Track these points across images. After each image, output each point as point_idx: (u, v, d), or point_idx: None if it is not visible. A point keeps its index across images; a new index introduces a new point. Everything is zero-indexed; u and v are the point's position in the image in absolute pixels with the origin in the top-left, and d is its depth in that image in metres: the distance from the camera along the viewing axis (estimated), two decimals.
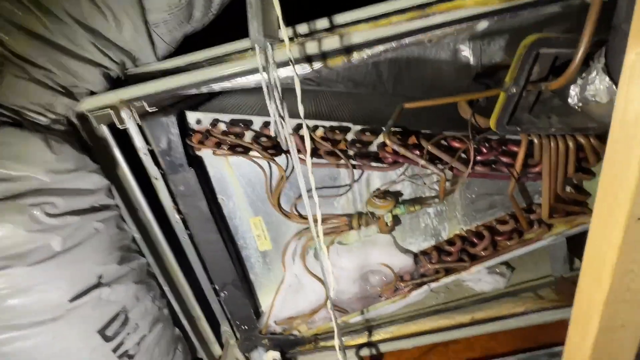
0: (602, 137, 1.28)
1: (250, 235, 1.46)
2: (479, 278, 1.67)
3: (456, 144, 1.25)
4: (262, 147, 1.19)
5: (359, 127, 1.25)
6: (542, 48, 1.02)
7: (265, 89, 0.78)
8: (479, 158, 1.27)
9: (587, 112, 1.18)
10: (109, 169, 1.13)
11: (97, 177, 1.03)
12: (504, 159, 1.28)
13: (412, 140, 1.25)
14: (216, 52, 1.01)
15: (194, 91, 1.11)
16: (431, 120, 1.38)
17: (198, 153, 1.25)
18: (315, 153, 1.25)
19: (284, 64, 0.96)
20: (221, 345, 1.73)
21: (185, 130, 1.18)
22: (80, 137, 1.03)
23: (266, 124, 1.21)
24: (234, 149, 1.21)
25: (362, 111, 1.46)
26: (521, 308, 1.61)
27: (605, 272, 0.87)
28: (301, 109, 0.87)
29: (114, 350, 1.07)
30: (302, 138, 1.13)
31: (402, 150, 1.17)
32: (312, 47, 0.96)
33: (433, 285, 1.51)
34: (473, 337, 1.64)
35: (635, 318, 0.93)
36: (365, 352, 1.61)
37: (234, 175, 1.32)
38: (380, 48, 1.02)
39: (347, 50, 0.99)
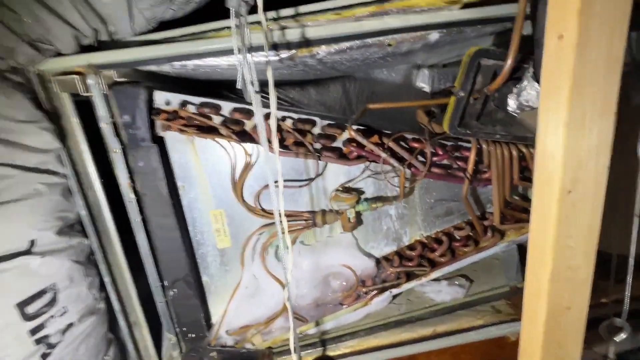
0: None
1: (209, 229, 1.39)
2: (439, 289, 1.67)
3: (415, 144, 1.35)
4: (230, 130, 1.21)
5: (325, 122, 1.31)
6: (482, 58, 1.19)
7: (236, 50, 0.83)
8: (435, 159, 1.36)
9: (524, 123, 1.35)
10: (62, 136, 1.08)
11: (50, 137, 0.98)
12: (458, 163, 1.38)
13: (375, 139, 1.33)
14: (192, 29, 1.07)
15: (167, 68, 1.14)
16: (393, 127, 1.48)
17: (162, 134, 1.24)
18: (281, 144, 1.29)
19: (258, 49, 1.03)
20: None
21: (151, 109, 1.18)
22: (36, 96, 1.00)
23: (235, 110, 1.24)
24: (201, 130, 1.21)
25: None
26: (480, 321, 1.61)
27: (547, 249, 0.92)
28: (272, 89, 0.91)
29: (32, 332, 0.91)
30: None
31: (364, 142, 1.24)
32: (281, 34, 1.05)
33: (395, 291, 1.48)
34: (435, 353, 1.59)
35: (579, 299, 0.97)
36: None
37: (199, 162, 1.31)
38: (345, 44, 1.13)
39: (315, 41, 1.09)
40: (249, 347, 1.47)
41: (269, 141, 0.93)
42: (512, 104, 1.24)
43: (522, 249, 1.65)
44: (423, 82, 2.14)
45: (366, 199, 1.40)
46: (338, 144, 1.34)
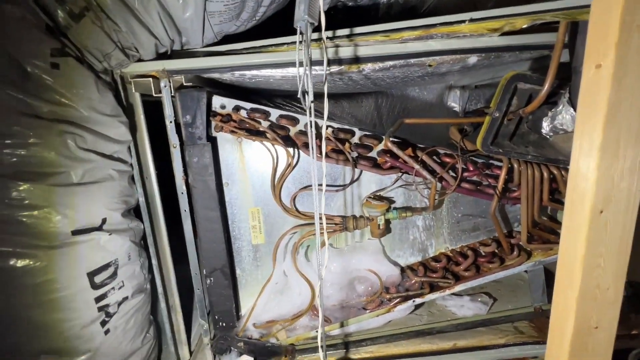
0: None
1: (246, 225, 1.50)
2: (461, 304, 1.69)
3: (447, 159, 1.41)
4: (276, 134, 1.33)
5: (363, 133, 1.41)
6: (519, 82, 1.26)
7: (298, 63, 0.94)
8: (466, 175, 1.42)
9: (557, 147, 1.39)
10: (132, 131, 1.23)
11: (125, 130, 1.13)
12: (488, 180, 1.43)
13: (409, 152, 1.41)
14: (254, 43, 1.20)
15: (227, 76, 1.28)
16: (424, 143, 1.56)
17: (215, 134, 1.37)
18: (320, 151, 1.38)
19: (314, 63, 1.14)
20: (190, 351, 1.62)
21: (209, 111, 1.32)
22: (117, 94, 1.15)
23: (282, 116, 1.36)
24: (250, 132, 1.34)
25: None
26: (502, 340, 1.60)
27: (576, 267, 0.95)
28: (326, 100, 1.02)
29: (97, 300, 1.03)
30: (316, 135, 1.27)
31: (399, 153, 1.32)
32: (334, 51, 1.16)
33: (417, 301, 1.52)
34: None
35: (607, 319, 0.98)
36: None
37: (244, 162, 1.42)
38: (389, 63, 1.23)
39: (363, 59, 1.20)
40: (273, 342, 1.54)
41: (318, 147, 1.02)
42: (546, 126, 1.30)
43: (548, 271, 1.66)
44: (454, 101, 2.21)
45: (396, 208, 1.47)
46: (373, 154, 1.43)
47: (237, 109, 1.35)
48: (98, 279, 1.04)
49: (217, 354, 1.51)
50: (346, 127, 1.39)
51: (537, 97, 1.17)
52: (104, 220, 1.06)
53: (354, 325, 1.56)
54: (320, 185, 1.10)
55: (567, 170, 1.42)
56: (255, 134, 1.36)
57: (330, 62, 1.17)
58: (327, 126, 1.39)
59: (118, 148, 1.12)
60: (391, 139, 1.35)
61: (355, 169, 1.41)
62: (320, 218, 1.12)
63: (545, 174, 1.41)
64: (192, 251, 1.39)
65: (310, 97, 0.95)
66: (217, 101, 1.34)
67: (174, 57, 1.22)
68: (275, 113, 1.37)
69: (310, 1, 0.84)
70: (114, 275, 1.09)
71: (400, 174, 1.42)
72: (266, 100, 1.70)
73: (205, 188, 1.33)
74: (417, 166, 1.33)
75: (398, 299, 1.52)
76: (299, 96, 0.89)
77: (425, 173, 1.34)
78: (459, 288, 1.51)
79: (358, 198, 1.49)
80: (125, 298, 1.14)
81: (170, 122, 1.25)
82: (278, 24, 1.24)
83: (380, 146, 1.41)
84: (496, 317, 1.63)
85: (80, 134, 0.97)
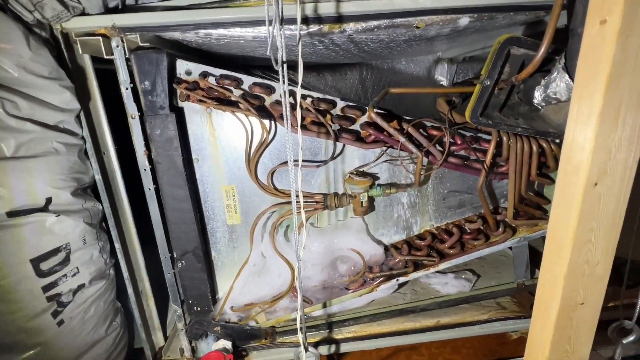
0: (561, 144, 1.42)
1: (220, 205, 1.39)
2: (445, 282, 1.67)
3: (434, 132, 1.33)
4: (249, 104, 1.20)
5: (344, 103, 1.30)
6: (512, 47, 1.16)
7: (267, 20, 0.81)
8: (453, 149, 1.34)
9: (547, 119, 1.32)
10: (81, 99, 1.07)
11: (70, 96, 0.97)
12: (476, 154, 1.36)
13: (394, 124, 1.31)
14: None
15: (191, 36, 1.12)
16: (412, 114, 1.46)
17: (181, 104, 1.23)
18: (300, 123, 1.27)
19: (288, 21, 1.00)
20: (165, 336, 1.54)
21: (172, 77, 1.17)
22: (60, 55, 0.99)
23: (255, 84, 1.23)
24: (220, 102, 1.20)
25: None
26: (484, 316, 1.60)
27: (566, 242, 0.90)
28: (300, 63, 0.89)
29: (45, 289, 0.92)
30: (293, 105, 1.15)
31: (384, 125, 1.22)
32: (311, 7, 1.03)
33: (401, 279, 1.48)
34: (436, 345, 1.60)
35: (594, 294, 0.95)
36: (324, 349, 1.50)
37: (215, 135, 1.30)
38: (374, 23, 1.11)
39: (345, 17, 1.07)
40: (252, 325, 1.48)
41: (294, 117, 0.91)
42: (538, 96, 1.22)
43: (532, 247, 1.64)
44: (442, 75, 2.12)
45: (380, 185, 1.39)
46: (356, 127, 1.32)
47: (204, 75, 1.20)
48: (45, 265, 0.92)
49: (193, 339, 1.44)
50: (326, 97, 1.27)
51: (532, 62, 1.08)
52: (48, 200, 0.93)
53: (336, 305, 1.51)
54: (297, 160, 1.00)
55: (555, 143, 1.36)
56: (227, 103, 1.22)
57: (305, 21, 1.04)
58: (306, 96, 1.27)
59: (63, 117, 0.97)
60: (375, 110, 1.25)
61: (337, 143, 1.31)
62: (297, 196, 1.02)
63: (535, 148, 1.35)
64: (160, 233, 1.28)
65: (281, 57, 0.83)
66: (182, 66, 1.19)
67: (128, 11, 1.06)
68: (248, 80, 1.23)
69: None
70: (65, 261, 0.97)
71: (384, 147, 1.33)
72: (243, 71, 1.55)
73: (171, 164, 1.20)
74: (402, 139, 1.24)
75: (381, 278, 1.47)
76: (268, 54, 0.77)
77: (410, 147, 1.26)
78: (443, 266, 1.47)
79: (341, 174, 1.39)
80: (82, 285, 1.03)
81: (127, 88, 1.10)
82: None
83: (364, 118, 1.31)
84: (479, 294, 1.62)
85: (10, 98, 0.82)
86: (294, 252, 1.42)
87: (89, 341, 1.08)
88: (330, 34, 1.13)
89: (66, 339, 1.00)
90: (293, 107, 1.08)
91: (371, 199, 1.41)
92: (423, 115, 1.33)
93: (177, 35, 1.11)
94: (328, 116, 1.29)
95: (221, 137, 1.30)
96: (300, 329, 1.17)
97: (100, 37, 1.04)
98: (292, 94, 1.18)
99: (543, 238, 1.20)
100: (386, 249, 1.51)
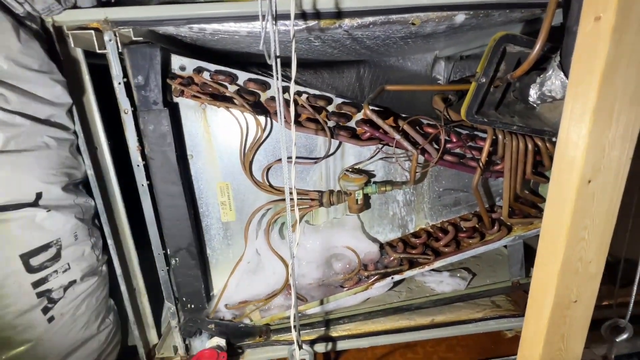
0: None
1: (215, 202, 1.38)
2: (440, 280, 1.66)
3: (429, 130, 1.32)
4: (244, 100, 1.19)
5: (340, 100, 1.29)
6: (508, 44, 1.16)
7: (261, 14, 0.80)
8: (449, 146, 1.34)
9: (542, 117, 1.32)
10: (73, 93, 1.06)
11: (61, 90, 0.96)
12: (472, 152, 1.36)
13: (390, 121, 1.31)
14: None
15: (185, 31, 1.11)
16: (409, 112, 1.46)
17: (175, 99, 1.22)
18: (295, 120, 1.26)
19: (281, 16, 0.99)
20: (159, 333, 1.53)
21: (165, 72, 1.16)
22: (52, 47, 0.98)
23: (250, 80, 1.22)
24: (214, 98, 1.19)
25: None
26: (479, 314, 1.60)
27: (560, 240, 0.90)
28: (294, 58, 0.88)
29: (35, 285, 0.90)
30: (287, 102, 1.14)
31: (379, 122, 1.22)
32: (306, 1, 1.02)
33: (396, 277, 1.48)
34: (431, 343, 1.59)
35: (587, 292, 0.96)
36: (318, 347, 1.49)
37: (209, 131, 1.29)
38: (369, 19, 1.10)
39: (340, 13, 1.06)
40: (246, 323, 1.47)
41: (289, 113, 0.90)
42: (533, 94, 1.22)
43: (526, 246, 1.64)
44: (439, 73, 2.12)
45: (375, 182, 1.39)
46: (352, 124, 1.32)
47: (199, 70, 1.19)
48: (35, 261, 0.91)
49: (186, 337, 1.43)
50: (322, 93, 1.26)
51: (527, 59, 1.08)
52: (39, 195, 0.92)
53: (331, 303, 1.51)
54: (290, 157, 0.99)
55: (551, 142, 1.36)
56: (221, 99, 1.21)
57: (301, 16, 1.03)
58: (301, 92, 1.26)
59: (54, 111, 0.96)
60: (371, 107, 1.25)
61: (333, 140, 1.30)
62: (292, 193, 1.01)
63: (530, 146, 1.35)
64: (154, 230, 1.27)
65: (274, 52, 0.82)
66: (176, 61, 1.18)
67: (121, 5, 1.04)
68: (243, 76, 1.22)
69: None
70: (56, 257, 0.96)
71: (380, 145, 1.33)
72: (239, 68, 1.54)
73: (165, 160, 1.19)
74: (397, 136, 1.23)
75: (376, 276, 1.47)
76: (261, 48, 0.76)
77: (406, 144, 1.25)
78: (438, 264, 1.47)
79: (335, 172, 1.39)
80: (73, 282, 1.02)
81: (119, 83, 1.09)
82: None
83: (360, 115, 1.31)
84: (474, 292, 1.62)
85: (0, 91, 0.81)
86: (288, 250, 1.41)
87: (80, 338, 1.07)
88: (325, 29, 1.12)
89: (57, 335, 0.99)
90: (288, 103, 1.07)
91: (366, 197, 1.41)
92: (419, 113, 1.33)
93: (170, 29, 1.10)
94: (324, 113, 1.28)
95: (216, 133, 1.29)
96: (295, 326, 1.17)
97: (92, 31, 1.03)
98: (287, 90, 1.17)
99: (538, 236, 1.21)
100: (381, 246, 1.51)
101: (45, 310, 0.96)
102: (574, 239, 0.89)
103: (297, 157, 1.33)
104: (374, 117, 1.21)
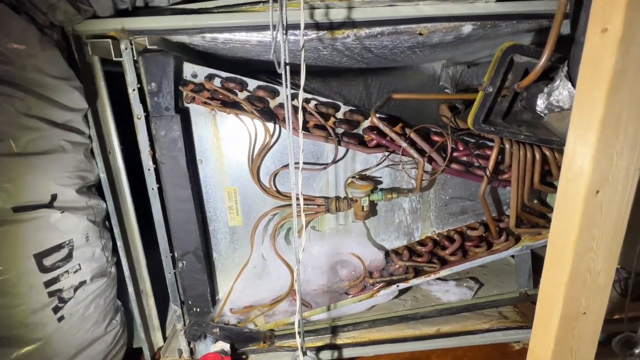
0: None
1: (222, 206, 1.40)
2: (446, 289, 1.65)
3: (436, 138, 1.33)
4: (253, 107, 1.21)
5: (348, 107, 1.31)
6: (515, 54, 1.17)
7: (271, 24, 0.83)
8: (455, 154, 1.34)
9: (550, 127, 1.32)
10: (89, 99, 1.10)
11: (78, 96, 1.00)
12: (479, 161, 1.36)
13: (397, 129, 1.31)
14: (227, 2, 1.07)
15: (198, 40, 1.15)
16: (416, 121, 1.47)
17: (187, 105, 1.25)
18: (303, 126, 1.28)
19: (291, 27, 1.02)
20: (164, 336, 1.55)
21: (178, 79, 1.19)
22: (71, 55, 1.02)
23: (260, 87, 1.25)
24: (224, 104, 1.22)
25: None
26: (486, 325, 1.58)
27: (568, 250, 0.89)
28: (303, 67, 0.91)
29: (47, 284, 0.93)
30: (295, 108, 1.16)
31: (386, 130, 1.23)
32: (314, 13, 1.04)
33: (402, 285, 1.47)
34: (437, 353, 1.57)
35: (596, 304, 0.94)
36: (321, 355, 1.48)
37: (219, 137, 1.31)
38: (377, 29, 1.12)
39: (348, 24, 1.09)
40: (251, 328, 1.47)
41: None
42: (541, 104, 1.22)
43: (535, 256, 1.62)
44: (446, 82, 2.13)
45: (381, 189, 1.39)
46: (359, 131, 1.33)
47: (210, 77, 1.22)
48: (48, 261, 0.94)
49: (191, 341, 1.44)
50: (330, 101, 1.28)
51: (534, 69, 1.09)
52: (53, 197, 0.95)
53: (335, 310, 1.50)
54: (298, 163, 1.00)
55: (559, 151, 1.36)
56: (231, 106, 1.24)
57: (310, 26, 1.05)
58: (309, 99, 1.28)
59: (71, 116, 0.99)
60: (378, 115, 1.26)
61: (340, 147, 1.32)
62: (298, 198, 1.03)
63: (538, 155, 1.34)
64: (162, 232, 1.29)
65: (284, 60, 0.84)
66: (188, 69, 1.22)
67: (137, 15, 1.08)
68: (252, 83, 1.25)
69: None
70: (68, 257, 0.99)
71: (386, 152, 1.34)
72: (248, 75, 1.58)
73: (175, 164, 1.22)
74: (404, 144, 1.24)
75: (381, 284, 1.46)
76: (271, 57, 0.78)
77: (412, 152, 1.26)
78: (444, 273, 1.46)
79: (342, 178, 1.40)
80: (83, 282, 1.04)
81: (133, 90, 1.12)
82: None
83: (367, 123, 1.32)
84: (481, 302, 1.60)
85: (21, 96, 0.85)
86: (294, 255, 1.42)
87: (88, 338, 1.08)
88: (334, 39, 1.15)
89: (66, 335, 1.01)
90: (296, 110, 1.09)
91: (372, 204, 1.41)
92: (426, 121, 1.34)
93: (184, 38, 1.14)
94: (331, 120, 1.30)
95: (225, 139, 1.31)
96: (299, 332, 1.17)
97: (109, 40, 1.07)
98: (296, 97, 1.19)
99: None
100: (387, 254, 1.50)
101: (56, 310, 0.98)
102: (582, 249, 0.87)
103: (304, 163, 1.35)
104: (381, 125, 1.23)
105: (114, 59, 1.09)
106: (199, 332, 1.43)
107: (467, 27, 1.17)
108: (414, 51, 1.40)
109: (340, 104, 1.30)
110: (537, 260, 1.63)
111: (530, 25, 1.20)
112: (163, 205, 1.27)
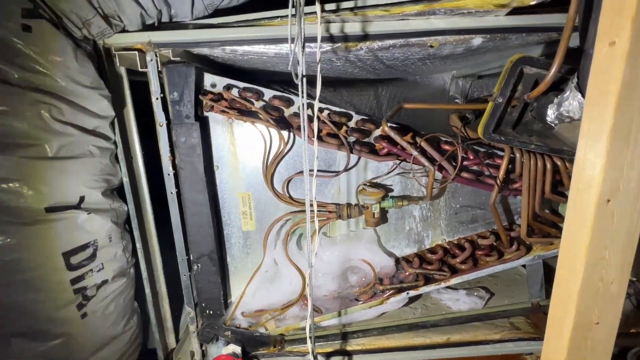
0: None
1: (237, 211, 1.44)
2: (457, 298, 1.64)
3: (446, 147, 1.35)
4: (269, 115, 1.26)
5: (360, 117, 1.35)
6: (525, 66, 1.19)
7: (290, 37, 0.88)
8: (466, 163, 1.36)
9: (561, 137, 1.33)
10: (116, 107, 1.16)
11: (107, 104, 1.06)
12: (489, 170, 1.37)
13: (408, 138, 1.34)
14: (246, 17, 1.13)
15: (218, 52, 1.21)
16: (426, 130, 1.50)
17: (206, 113, 1.30)
18: (316, 135, 1.32)
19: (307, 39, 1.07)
20: (177, 339, 1.58)
21: (198, 89, 1.25)
22: (101, 66, 1.09)
23: (275, 97, 1.30)
24: (241, 113, 1.27)
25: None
26: (497, 335, 1.56)
27: (579, 259, 0.90)
28: (319, 78, 0.95)
29: (73, 282, 0.97)
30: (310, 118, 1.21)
31: (397, 138, 1.26)
32: (329, 27, 1.09)
33: (412, 293, 1.48)
34: None
35: (609, 314, 0.94)
36: None
37: (235, 144, 1.36)
38: (389, 42, 1.16)
39: (362, 37, 1.13)
40: (262, 331, 1.49)
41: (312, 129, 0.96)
42: (551, 114, 1.24)
43: (547, 266, 1.61)
44: (456, 92, 2.16)
45: (392, 197, 1.41)
46: (370, 140, 1.37)
47: (228, 87, 1.28)
48: (74, 259, 0.99)
49: (204, 343, 1.47)
50: (343, 110, 1.32)
51: (544, 80, 1.11)
52: (81, 199, 1.00)
53: (345, 316, 1.51)
54: (312, 170, 1.04)
55: (571, 161, 1.36)
56: (248, 114, 1.29)
57: (325, 39, 1.10)
58: (323, 109, 1.33)
59: (99, 123, 1.06)
60: (389, 124, 1.29)
61: (351, 155, 1.35)
62: (312, 205, 1.06)
63: (548, 165, 1.35)
64: (179, 235, 1.33)
65: (301, 71, 0.89)
66: (208, 79, 1.28)
67: (163, 29, 1.15)
68: (268, 93, 1.30)
69: None
70: (92, 256, 1.04)
71: (397, 160, 1.37)
72: (263, 85, 1.64)
73: (193, 170, 1.27)
74: (415, 152, 1.27)
75: (391, 291, 1.47)
76: (289, 68, 0.83)
77: (423, 160, 1.29)
78: (454, 281, 1.46)
79: (354, 185, 1.43)
80: (105, 281, 1.09)
81: (157, 98, 1.19)
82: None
83: (378, 131, 1.36)
84: (492, 312, 1.59)
85: (56, 104, 0.91)
86: (305, 261, 1.45)
87: (108, 336, 1.12)
88: (347, 51, 1.19)
89: (88, 331, 1.05)
90: (310, 119, 1.14)
91: (383, 211, 1.44)
92: (437, 131, 1.37)
93: (205, 50, 1.20)
94: (343, 129, 1.34)
95: (241, 146, 1.36)
96: (310, 337, 1.19)
97: (136, 52, 1.14)
98: (310, 106, 1.24)
99: None
100: (397, 261, 1.52)
101: (80, 307, 1.02)
102: (594, 258, 0.88)
103: (317, 171, 1.38)
104: (392, 134, 1.26)
105: (140, 69, 1.16)
106: (211, 334, 1.45)
107: (477, 40, 1.20)
108: (425, 62, 1.44)
109: (353, 113, 1.34)
110: (548, 271, 1.62)
111: (539, 38, 1.23)
112: (180, 208, 1.31)
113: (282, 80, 1.88)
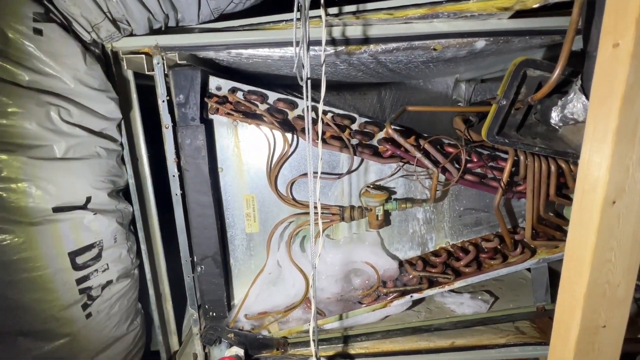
0: None
1: (240, 213, 1.45)
2: (461, 302, 1.63)
3: (450, 149, 1.35)
4: (273, 118, 1.27)
5: (363, 119, 1.35)
6: (529, 68, 1.20)
7: (295, 40, 0.89)
8: (469, 166, 1.36)
9: (565, 139, 1.33)
10: (122, 109, 1.18)
11: (114, 107, 1.08)
12: (493, 172, 1.37)
13: (411, 140, 1.35)
14: (252, 21, 1.15)
15: (223, 55, 1.23)
16: (430, 133, 1.50)
17: (211, 116, 1.32)
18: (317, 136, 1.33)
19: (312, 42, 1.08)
20: (180, 341, 1.58)
21: (204, 92, 1.27)
22: (108, 69, 1.11)
23: (280, 99, 1.31)
24: (246, 115, 1.29)
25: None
26: (502, 340, 1.55)
27: (585, 261, 0.89)
28: (323, 81, 0.96)
29: (78, 282, 0.98)
30: (314, 120, 1.22)
31: (401, 141, 1.27)
32: (333, 30, 1.11)
33: (415, 296, 1.47)
34: None
35: (616, 317, 0.93)
36: None
37: (239, 146, 1.37)
38: (393, 45, 1.18)
39: (365, 40, 1.14)
40: (265, 334, 1.49)
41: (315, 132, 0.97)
42: (555, 116, 1.24)
43: (552, 270, 1.60)
44: (460, 96, 2.16)
45: (396, 199, 1.42)
46: (374, 142, 1.37)
47: (233, 90, 1.30)
48: (80, 259, 1.00)
49: (207, 345, 1.46)
50: (346, 113, 1.33)
51: (547, 82, 1.11)
52: (88, 199, 1.02)
53: (349, 319, 1.51)
54: (316, 172, 1.05)
55: (575, 164, 1.36)
56: (252, 117, 1.30)
57: (329, 42, 1.12)
58: (327, 112, 1.34)
59: (106, 125, 1.07)
60: (393, 126, 1.30)
61: (355, 157, 1.35)
62: (315, 207, 1.06)
63: (553, 168, 1.35)
64: (183, 237, 1.34)
65: (306, 73, 0.90)
66: (214, 82, 1.29)
67: (169, 33, 1.17)
68: (273, 96, 1.32)
69: None
70: (97, 257, 1.04)
71: (401, 163, 1.37)
72: (267, 88, 1.66)
73: (198, 171, 1.28)
74: (418, 155, 1.27)
75: (395, 294, 1.46)
76: (294, 71, 0.84)
77: (427, 162, 1.29)
78: (459, 284, 1.45)
79: (357, 188, 1.43)
80: (110, 282, 1.09)
81: (163, 101, 1.20)
82: (280, 4, 1.19)
83: (381, 134, 1.36)
84: (497, 316, 1.58)
85: (65, 106, 0.93)
86: (309, 263, 1.45)
87: (112, 336, 1.13)
88: (350, 54, 1.20)
89: (92, 331, 1.05)
90: (314, 121, 1.14)
91: (387, 213, 1.44)
92: (440, 133, 1.37)
93: (211, 54, 1.22)
94: (347, 131, 1.35)
95: (245, 148, 1.37)
96: (314, 340, 1.18)
97: (143, 55, 1.16)
98: (314, 109, 1.25)
99: None
100: (401, 264, 1.51)
101: (85, 307, 1.03)
102: (600, 261, 0.87)
103: (321, 173, 1.39)
104: (396, 136, 1.26)
105: (147, 72, 1.17)
106: (215, 336, 1.45)
107: (480, 43, 1.21)
108: (428, 66, 1.44)
109: (356, 115, 1.35)
110: (553, 275, 1.60)
111: (542, 41, 1.23)
112: (185, 210, 1.32)
113: (285, 84, 1.89)
